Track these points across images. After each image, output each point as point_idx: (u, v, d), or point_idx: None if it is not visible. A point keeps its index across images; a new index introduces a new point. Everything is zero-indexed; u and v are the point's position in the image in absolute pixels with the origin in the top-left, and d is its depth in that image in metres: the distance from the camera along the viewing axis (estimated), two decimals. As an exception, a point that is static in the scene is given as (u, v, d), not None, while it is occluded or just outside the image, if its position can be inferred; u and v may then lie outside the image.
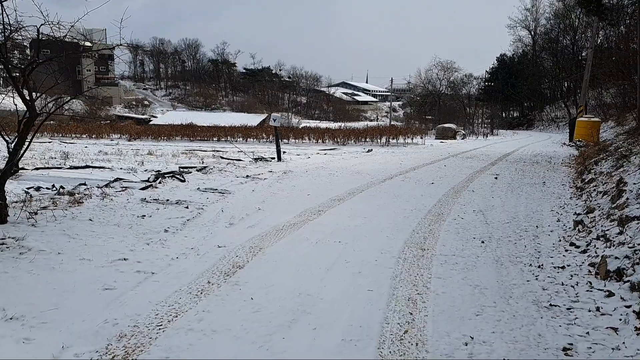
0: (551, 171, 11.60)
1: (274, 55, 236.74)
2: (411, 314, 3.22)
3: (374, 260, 4.29)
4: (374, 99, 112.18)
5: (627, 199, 4.75)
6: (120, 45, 5.48)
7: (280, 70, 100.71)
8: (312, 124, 43.16)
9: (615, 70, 35.11)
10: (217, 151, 16.75)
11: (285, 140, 23.38)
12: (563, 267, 4.08)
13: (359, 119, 76.03)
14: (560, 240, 4.91)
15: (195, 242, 4.78)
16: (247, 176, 9.27)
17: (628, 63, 35.88)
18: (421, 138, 24.12)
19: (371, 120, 69.85)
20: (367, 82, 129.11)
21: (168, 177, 8.83)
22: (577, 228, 5.11)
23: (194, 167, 10.35)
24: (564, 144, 24.35)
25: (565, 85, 56.32)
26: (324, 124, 40.99)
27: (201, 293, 3.53)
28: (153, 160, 12.87)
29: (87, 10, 5.15)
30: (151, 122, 43.93)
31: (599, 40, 48.52)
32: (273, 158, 12.81)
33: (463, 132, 31.66)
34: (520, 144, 23.52)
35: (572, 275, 3.90)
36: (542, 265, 4.18)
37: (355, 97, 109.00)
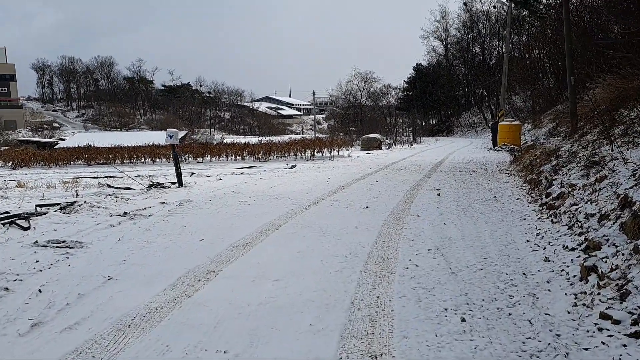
0: (493, 181, 10.34)
1: (194, 71, 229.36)
2: None
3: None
4: (299, 113, 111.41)
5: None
6: None
7: (200, 86, 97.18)
8: (237, 139, 40.62)
9: (524, 76, 36.68)
10: (111, 177, 13.92)
11: (200, 159, 20.82)
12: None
13: (284, 132, 74.66)
14: (575, 305, 3.19)
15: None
16: (126, 213, 6.86)
17: (534, 70, 37.67)
18: (347, 150, 22.67)
19: (297, 134, 68.58)
20: (290, 96, 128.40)
21: (5, 223, 6.21)
22: (588, 278, 3.44)
23: (58, 204, 7.73)
24: (490, 148, 24.13)
25: (479, 91, 58.67)
26: (248, 139, 38.67)
27: None
28: (14, 195, 9.92)
29: None
30: (57, 146, 39.41)
31: (503, 49, 51.11)
32: (174, 183, 10.42)
33: (388, 141, 30.87)
34: (446, 151, 22.84)
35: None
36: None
37: (280, 111, 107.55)
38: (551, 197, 6.33)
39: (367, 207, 7.29)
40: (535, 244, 4.91)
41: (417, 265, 4.29)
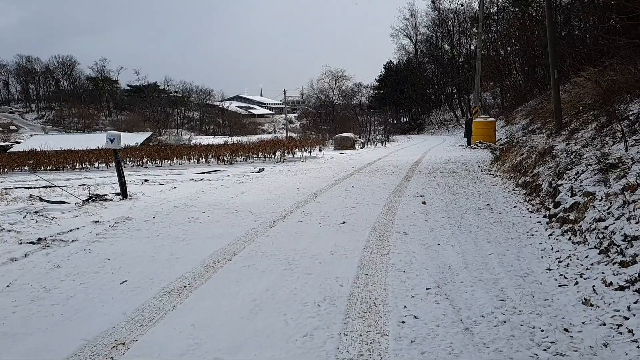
0: (479, 183, 9.35)
1: (162, 71, 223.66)
2: None
3: None
4: (270, 112, 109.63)
5: None
6: None
7: (168, 85, 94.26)
8: (205, 139, 38.83)
9: (495, 72, 36.43)
10: (50, 187, 12.26)
11: (159, 163, 19.20)
12: None
13: (256, 132, 73.05)
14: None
15: None
16: (40, 240, 5.43)
17: (504, 66, 37.44)
18: (320, 150, 21.48)
19: (269, 133, 67.13)
20: (261, 95, 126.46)
21: None
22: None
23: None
24: (464, 146, 23.44)
25: (449, 89, 58.58)
26: (218, 139, 36.96)
27: None
28: None
29: None
30: (11, 150, 36.69)
31: (472, 47, 51.03)
32: (119, 193, 8.97)
33: (362, 140, 29.85)
34: (421, 150, 21.97)
35: None
36: None
37: (251, 111, 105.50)
38: (561, 207, 5.29)
39: (343, 223, 6.10)
40: (560, 274, 3.83)
41: (416, 318, 3.11)
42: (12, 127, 71.71)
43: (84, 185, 11.41)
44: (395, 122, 63.04)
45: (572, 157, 6.81)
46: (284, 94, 64.29)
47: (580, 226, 4.53)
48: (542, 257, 4.31)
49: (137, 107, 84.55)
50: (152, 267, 4.36)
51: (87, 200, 8.31)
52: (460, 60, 54.23)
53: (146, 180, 12.50)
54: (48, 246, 5.19)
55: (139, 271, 4.23)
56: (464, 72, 48.83)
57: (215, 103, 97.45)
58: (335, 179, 11.10)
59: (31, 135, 60.02)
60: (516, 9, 31.28)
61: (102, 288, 3.80)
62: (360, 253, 4.69)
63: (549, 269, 3.96)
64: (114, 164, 18.99)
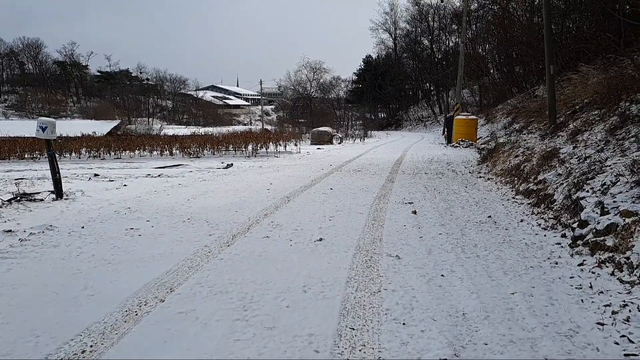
0: (471, 188, 8.35)
1: (134, 58, 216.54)
2: None
3: None
4: (247, 103, 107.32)
5: None
6: None
7: (140, 72, 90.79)
8: (178, 129, 36.93)
9: (475, 70, 35.86)
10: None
11: (118, 154, 17.59)
12: None
13: (231, 123, 71.17)
14: None
15: None
16: None
17: (484, 63, 36.95)
18: (295, 145, 20.24)
19: (244, 125, 65.33)
20: (237, 86, 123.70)
21: None
22: None
23: None
24: (444, 144, 22.67)
25: (427, 86, 58.07)
26: (191, 130, 35.16)
27: None
28: None
29: None
30: (-38, 138, 33.95)
31: (451, 44, 50.56)
32: (53, 192, 7.55)
33: (340, 135, 28.72)
34: (401, 147, 21.04)
35: None
36: None
37: (227, 101, 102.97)
38: (591, 229, 4.25)
39: (320, 240, 4.92)
40: (618, 332, 2.75)
41: None
42: (-30, 112, 67.78)
43: (21, 179, 9.88)
44: (373, 117, 62.21)
45: (587, 163, 5.81)
46: (260, 84, 62.61)
47: (627, 258, 3.48)
48: (582, 301, 3.24)
49: (108, 94, 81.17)
50: (47, 312, 3.08)
51: (10, 200, 6.89)
52: (439, 56, 53.71)
53: (96, 175, 11.04)
54: None
55: (20, 320, 2.94)
56: (442, 69, 48.28)
57: (189, 92, 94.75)
58: (312, 178, 9.92)
59: (-8, 121, 56.55)
60: (496, 7, 30.68)
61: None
62: (342, 289, 3.52)
63: (601, 324, 2.88)
64: (75, 154, 17.35)
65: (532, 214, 5.93)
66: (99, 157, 17.05)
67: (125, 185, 8.99)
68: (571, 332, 2.81)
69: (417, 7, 53.43)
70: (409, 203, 6.99)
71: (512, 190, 7.67)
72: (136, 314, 3.07)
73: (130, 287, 3.57)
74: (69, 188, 8.19)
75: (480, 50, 37.39)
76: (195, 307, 3.19)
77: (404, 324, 2.95)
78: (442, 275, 3.84)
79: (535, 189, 6.62)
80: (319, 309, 3.16)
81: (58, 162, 7.52)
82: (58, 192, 7.26)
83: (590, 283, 3.52)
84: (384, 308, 3.19)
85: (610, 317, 2.94)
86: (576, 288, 3.48)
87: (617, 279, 3.42)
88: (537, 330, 2.84)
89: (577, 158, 6.41)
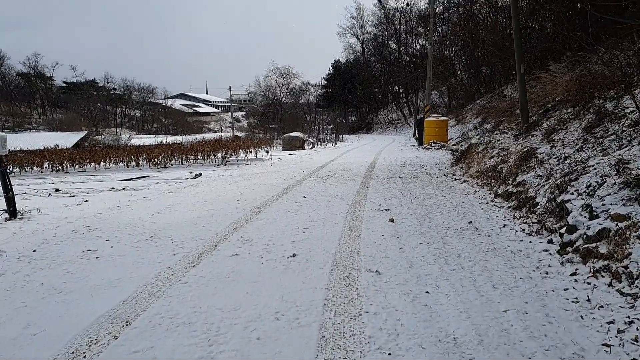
0: (447, 192, 8.15)
1: (101, 68, 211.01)
2: None
3: None
4: (217, 110, 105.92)
5: None
6: None
7: (108, 82, 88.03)
8: (147, 139, 35.85)
9: (443, 71, 36.28)
10: None
11: (82, 167, 16.75)
12: None
13: (202, 130, 69.96)
14: None
15: None
16: None
17: (448, 66, 37.41)
18: (266, 151, 19.80)
19: (215, 132, 64.27)
20: (207, 93, 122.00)
21: None
22: None
23: None
24: (418, 147, 22.65)
25: (396, 88, 58.50)
26: (160, 139, 34.16)
27: None
28: None
29: None
30: None
31: (419, 47, 51.11)
32: (6, 211, 6.92)
33: (311, 140, 28.42)
34: (373, 150, 20.89)
35: None
36: None
37: (196, 109, 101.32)
38: (580, 234, 4.04)
39: (294, 255, 4.55)
40: (628, 355, 2.50)
41: None
42: None
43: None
44: (344, 121, 62.24)
45: (568, 164, 5.65)
46: (230, 91, 61.78)
47: (625, 267, 3.25)
48: (582, 318, 2.98)
49: (74, 105, 78.50)
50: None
51: (-48, 222, 6.23)
52: (407, 59, 54.18)
53: (57, 190, 10.35)
54: None
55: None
56: (410, 72, 48.71)
57: (158, 101, 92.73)
58: (284, 186, 9.54)
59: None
60: (461, 9, 31.12)
61: None
62: (319, 314, 3.16)
63: (608, 345, 2.62)
64: (29, 169, 16.43)
65: (514, 218, 5.73)
66: (63, 170, 16.18)
67: (86, 200, 8.39)
68: (576, 356, 2.54)
69: (383, 11, 53.85)
70: (386, 210, 6.71)
71: (490, 193, 7.49)
72: (84, 357, 2.63)
73: (80, 321, 3.12)
74: (26, 206, 7.57)
75: (447, 52, 37.82)
76: (153, 343, 2.77)
77: (389, 354, 2.62)
78: (427, 292, 3.53)
79: (514, 191, 6.44)
80: (294, 340, 2.80)
81: (11, 179, 6.91)
82: (11, 212, 6.65)
83: (588, 296, 3.27)
84: (367, 335, 2.85)
85: (616, 336, 2.69)
86: (573, 302, 3.23)
87: (617, 290, 3.18)
88: (538, 355, 2.56)
89: (556, 158, 6.26)
